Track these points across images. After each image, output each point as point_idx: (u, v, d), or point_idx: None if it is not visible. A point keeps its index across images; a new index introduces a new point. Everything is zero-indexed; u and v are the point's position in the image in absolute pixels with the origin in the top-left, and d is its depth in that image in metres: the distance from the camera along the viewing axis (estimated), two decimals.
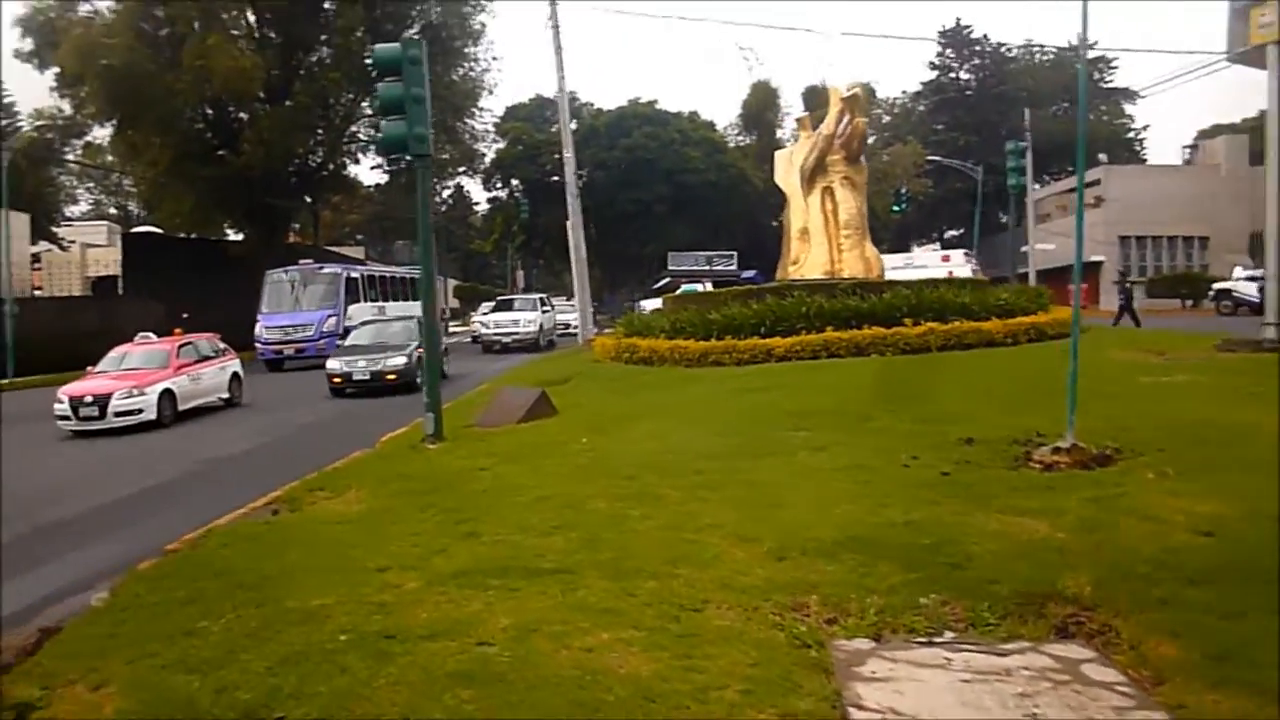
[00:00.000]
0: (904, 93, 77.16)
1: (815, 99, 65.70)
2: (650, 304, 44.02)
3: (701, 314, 17.16)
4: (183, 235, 44.95)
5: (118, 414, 16.10)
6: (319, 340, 28.57)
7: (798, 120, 23.02)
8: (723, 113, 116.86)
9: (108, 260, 48.00)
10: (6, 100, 54.43)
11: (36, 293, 42.38)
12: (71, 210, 72.09)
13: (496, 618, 5.28)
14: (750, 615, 5.26)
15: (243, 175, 38.30)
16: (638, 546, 6.41)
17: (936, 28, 77.21)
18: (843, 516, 6.75)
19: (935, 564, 5.80)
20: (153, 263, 39.10)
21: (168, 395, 16.97)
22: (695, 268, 53.17)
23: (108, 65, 33.56)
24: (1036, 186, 52.25)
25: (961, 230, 69.09)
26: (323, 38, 41.30)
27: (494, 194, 62.13)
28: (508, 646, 4.89)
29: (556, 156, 56.38)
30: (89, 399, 16.18)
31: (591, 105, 61.01)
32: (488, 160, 55.65)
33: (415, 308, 36.30)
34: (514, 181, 59.10)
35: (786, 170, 21.44)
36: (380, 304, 33.32)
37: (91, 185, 75.45)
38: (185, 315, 32.49)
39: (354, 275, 33.43)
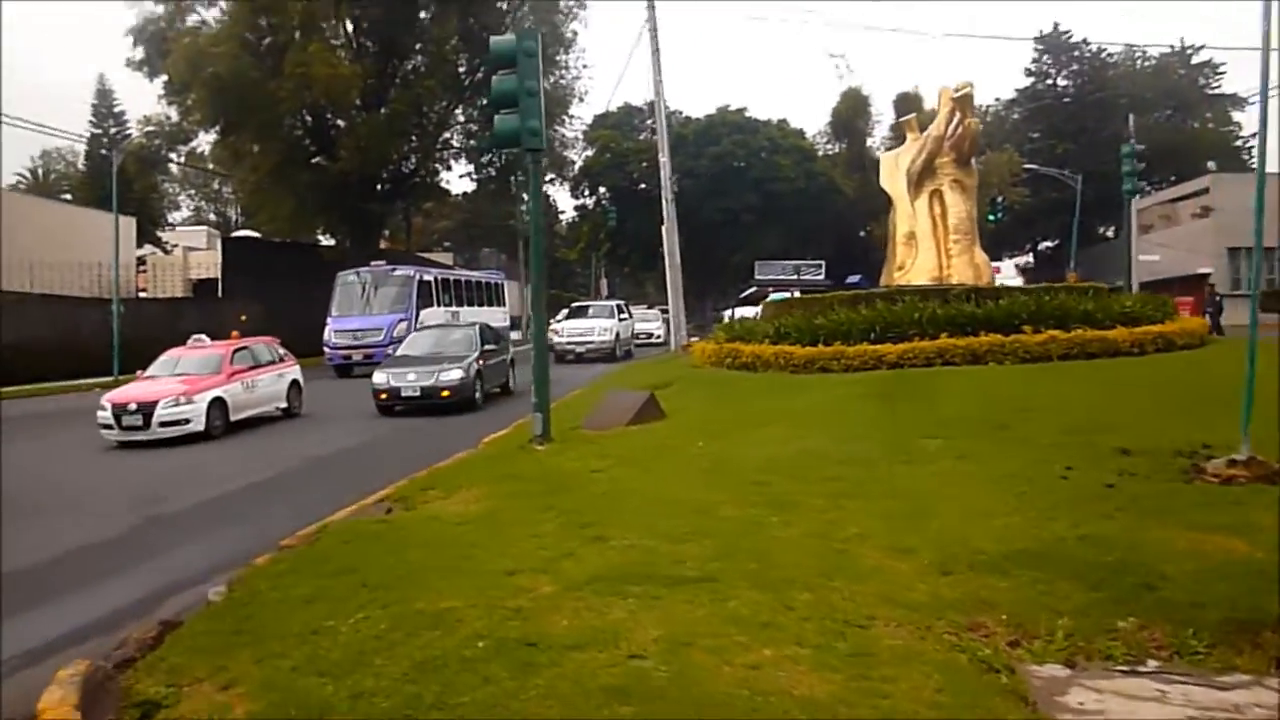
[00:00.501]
0: (997, 99, 75.18)
1: (907, 105, 64.34)
2: (741, 311, 43.45)
3: (807, 319, 16.61)
4: (279, 240, 45.89)
5: (163, 424, 14.60)
6: (389, 345, 26.44)
7: (904, 122, 22.27)
8: (811, 120, 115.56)
9: (208, 263, 49.23)
10: (117, 109, 56.48)
11: (141, 294, 43.59)
12: (173, 216, 74.79)
13: (644, 628, 4.87)
14: (924, 634, 4.77)
15: (339, 181, 38.93)
16: (783, 555, 5.95)
17: (1033, 32, 75.07)
18: (1005, 529, 6.19)
19: (1123, 583, 5.22)
20: (250, 266, 39.94)
21: (218, 404, 15.44)
22: (783, 276, 52.39)
23: (214, 73, 34.33)
24: (1138, 196, 50.23)
25: (1057, 241, 66.92)
26: (417, 46, 41.79)
27: (581, 202, 62.22)
28: (662, 660, 4.47)
29: (645, 164, 56.49)
30: (133, 407, 14.74)
31: (680, 113, 60.63)
32: (576, 168, 55.73)
33: (491, 313, 34.92)
34: (601, 189, 59.08)
35: (893, 173, 20.76)
36: (454, 309, 31.95)
37: (192, 191, 78.31)
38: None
39: (427, 278, 31.69)
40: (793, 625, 4.86)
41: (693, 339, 29.53)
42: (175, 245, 58.24)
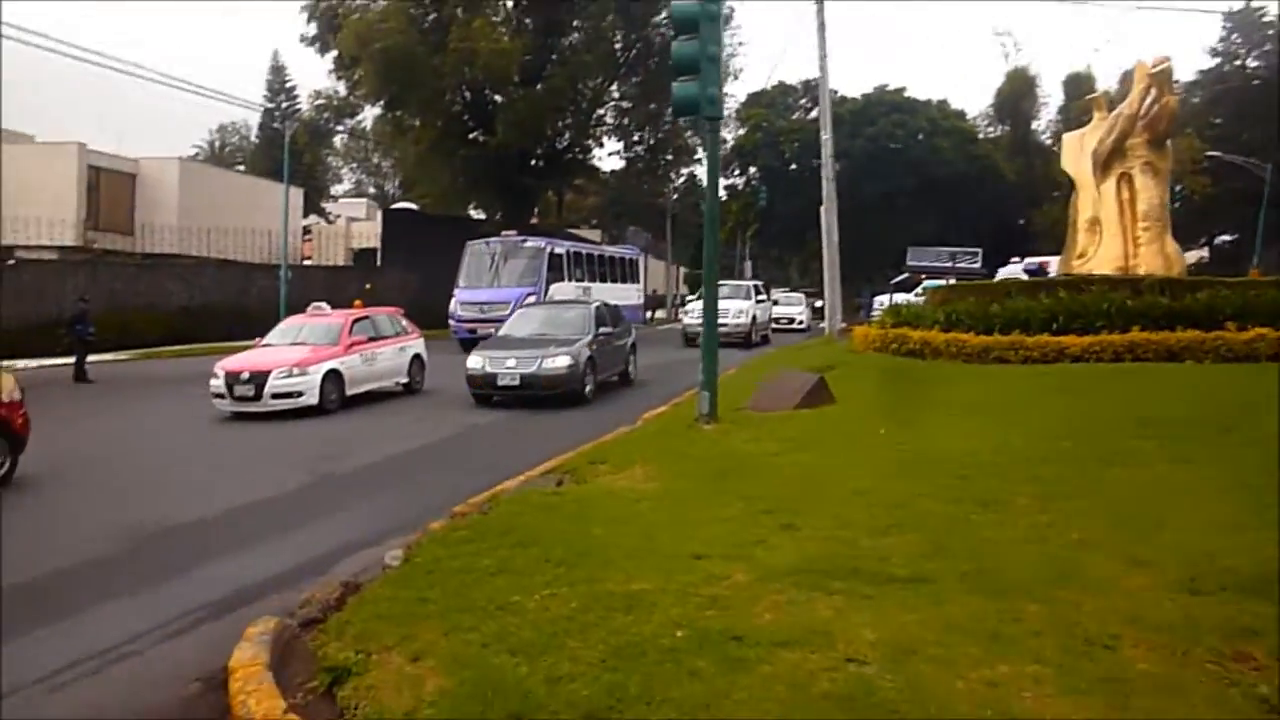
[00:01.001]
0: (1177, 82, 70.29)
1: (1078, 87, 60.90)
2: (892, 298, 42.01)
3: (982, 305, 15.67)
4: (436, 213, 47.07)
5: (275, 395, 13.95)
6: None
7: (1092, 99, 20.76)
8: (974, 102, 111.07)
9: (368, 233, 51.02)
10: (289, 84, 59.06)
11: (306, 261, 45.50)
12: (336, 188, 77.92)
13: (857, 629, 4.45)
14: (1181, 661, 4.17)
15: (495, 155, 39.57)
16: (1000, 558, 5.41)
17: (1225, 6, 69.73)
18: (1256, 545, 5.46)
19: None
20: (408, 236, 40.99)
21: (333, 377, 14.67)
22: (936, 264, 50.38)
23: (381, 48, 35.26)
24: None
25: (1236, 235, 62.28)
26: (575, 23, 41.97)
27: (731, 181, 61.50)
28: (886, 668, 4.05)
29: (797, 144, 55.35)
30: (245, 376, 14.10)
31: (836, 92, 59.01)
32: (727, 147, 54.98)
33: (625, 291, 33.65)
34: (752, 169, 58.19)
35: (1076, 155, 19.38)
36: (586, 284, 30.34)
37: (354, 165, 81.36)
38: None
39: (558, 251, 29.81)
40: (1026, 639, 4.34)
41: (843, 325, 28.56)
42: (338, 216, 60.62)
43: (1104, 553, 5.45)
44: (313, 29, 39.61)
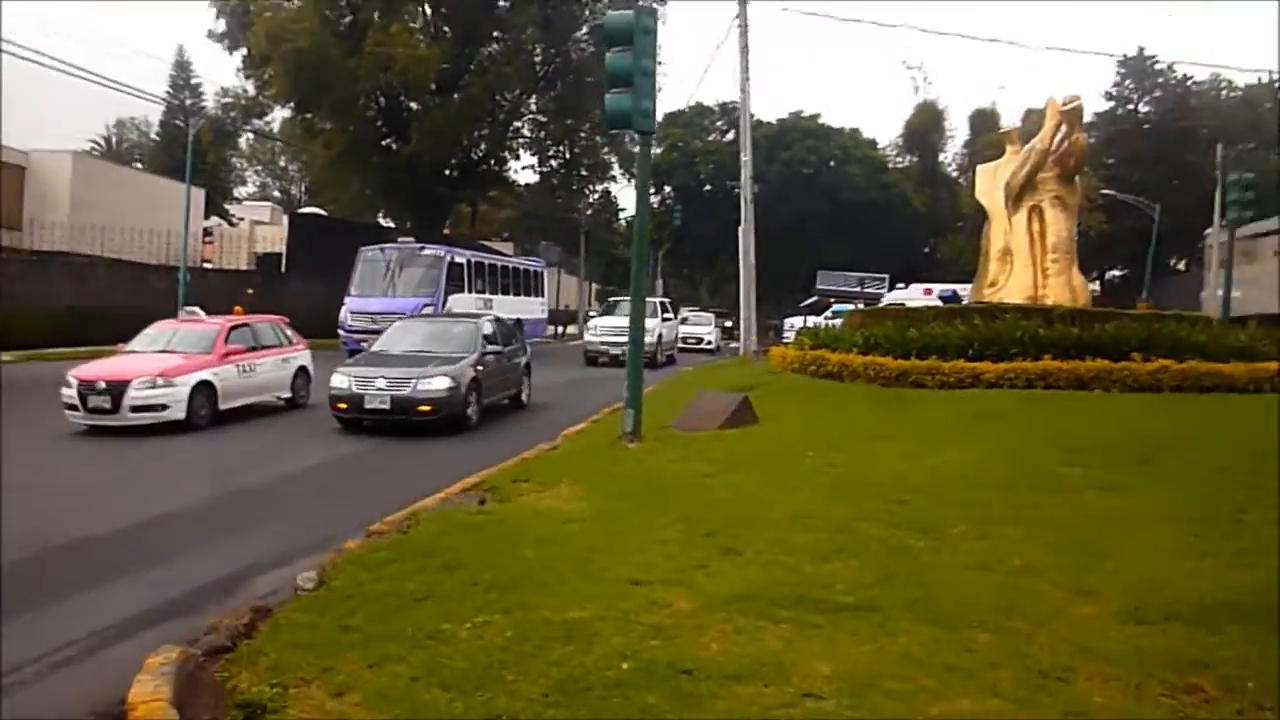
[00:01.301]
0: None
1: (983, 122, 63.11)
2: (800, 320, 42.41)
3: (899, 330, 15.83)
4: (344, 219, 45.92)
5: (135, 408, 12.32)
6: None
7: (1004, 133, 21.39)
8: (883, 131, 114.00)
9: (273, 237, 49.44)
10: (194, 81, 57.04)
11: (206, 264, 43.81)
12: (239, 190, 75.50)
13: (809, 661, 4.26)
14: (1136, 695, 4.10)
15: (408, 164, 38.77)
16: (946, 585, 5.30)
17: (1116, 56, 73.12)
18: (1196, 575, 5.48)
19: None
20: (315, 242, 39.77)
21: (204, 389, 13.11)
22: (845, 288, 51.35)
23: (293, 48, 34.24)
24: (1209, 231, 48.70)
25: (1126, 269, 65.17)
26: (495, 34, 41.53)
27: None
28: (844, 702, 3.86)
29: (712, 165, 55.81)
30: (101, 385, 12.44)
31: (752, 116, 59.90)
32: None
33: (529, 304, 32.51)
34: (667, 188, 58.46)
35: (990, 186, 19.86)
36: (488, 295, 28.67)
37: (259, 167, 79.05)
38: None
39: (459, 260, 27.80)
40: (982, 671, 4.22)
41: (779, 342, 28.28)
42: (242, 219, 58.65)
43: (1048, 581, 5.40)
44: (221, 25, 38.34)
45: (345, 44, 36.02)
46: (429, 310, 23.29)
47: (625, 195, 69.48)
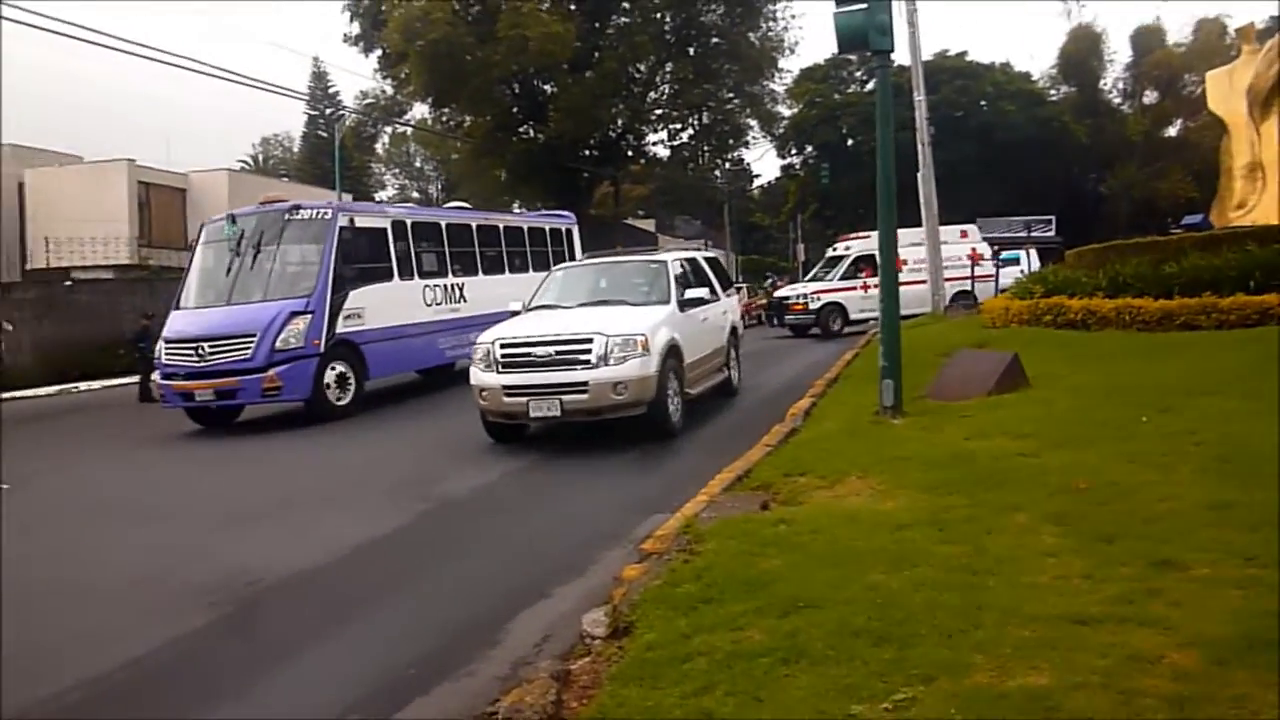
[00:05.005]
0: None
1: (1147, 41, 58.03)
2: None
3: (1152, 265, 13.71)
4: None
5: None
6: (265, 367, 12.96)
7: (1238, 31, 18.69)
8: (1037, 64, 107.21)
9: None
10: (331, 89, 58.05)
11: None
12: (380, 195, 76.99)
13: None
14: None
15: (548, 147, 38.09)
16: None
17: None
18: None
19: None
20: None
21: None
22: (1009, 234, 48.05)
23: (428, 41, 33.90)
24: None
25: None
26: (623, 5, 40.28)
27: (788, 161, 59.25)
28: None
29: (854, 119, 52.96)
30: None
31: (894, 62, 56.74)
32: (784, 124, 52.69)
33: (516, 283, 15.86)
34: (808, 148, 55.96)
35: (1226, 94, 17.34)
36: (456, 280, 16.65)
37: (397, 170, 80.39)
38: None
39: (371, 224, 15.13)
40: None
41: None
42: None
43: None
44: (356, 27, 38.43)
45: (478, 31, 35.45)
46: (302, 323, 13.17)
47: (761, 164, 67.22)
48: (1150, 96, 59.61)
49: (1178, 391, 8.39)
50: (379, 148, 66.22)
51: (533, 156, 39.29)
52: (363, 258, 14.47)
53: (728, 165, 57.15)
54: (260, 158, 71.76)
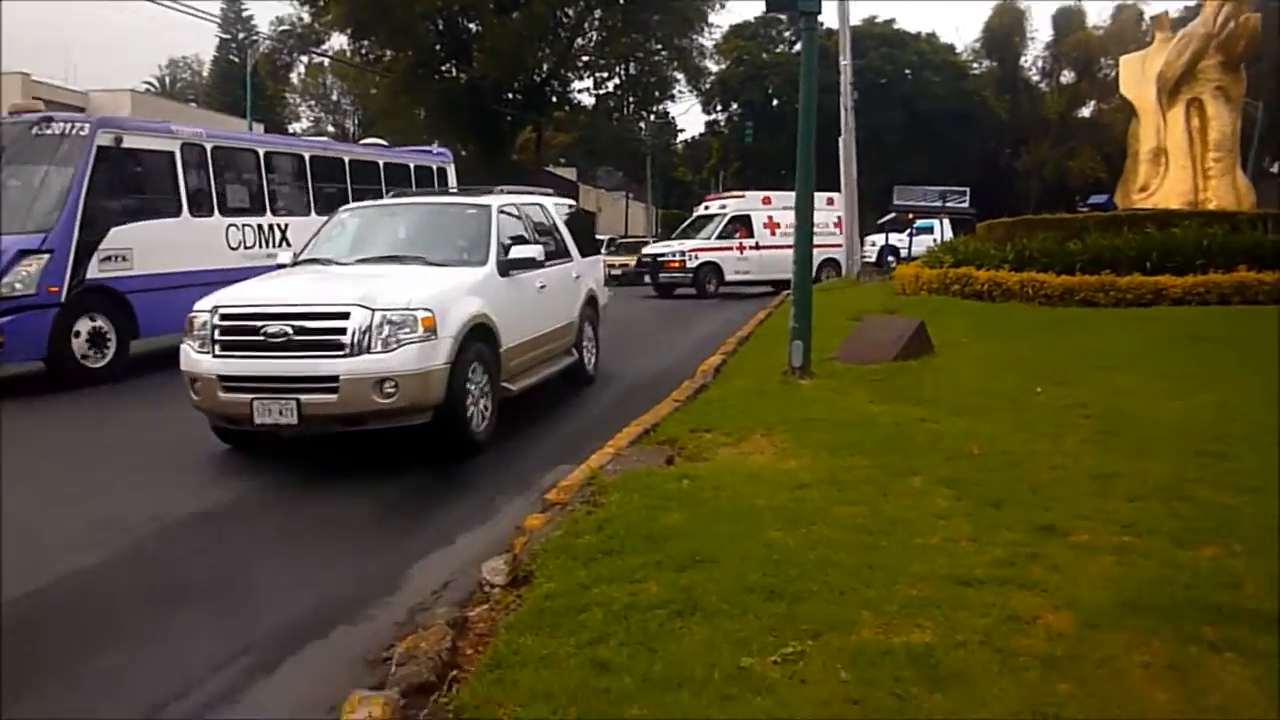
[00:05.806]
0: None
1: (1069, 21, 59.36)
2: (879, 238, 40.13)
3: (1058, 242, 14.14)
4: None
5: None
6: None
7: (1153, 19, 19.28)
8: (960, 37, 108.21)
9: None
10: (245, 13, 55.71)
11: None
12: (294, 127, 74.50)
13: None
14: None
15: (470, 88, 37.31)
16: None
17: None
18: None
19: None
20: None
21: None
22: (925, 203, 48.94)
23: None
24: None
25: None
26: None
27: (713, 117, 59.21)
28: None
29: (780, 79, 53.05)
30: None
31: (823, 25, 56.90)
32: (710, 81, 52.62)
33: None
34: (734, 105, 56.00)
35: (1137, 79, 17.82)
36: (279, 219, 14.37)
37: (312, 102, 77.80)
38: None
39: (148, 146, 12.31)
40: None
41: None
42: None
43: None
44: None
45: None
46: (35, 265, 10.51)
47: (686, 118, 67.04)
48: (1067, 76, 61.18)
49: (1073, 365, 8.71)
50: (294, 78, 64.03)
51: (454, 97, 38.43)
52: (136, 187, 11.96)
53: (653, 118, 56.83)
54: (168, 80, 68.67)
